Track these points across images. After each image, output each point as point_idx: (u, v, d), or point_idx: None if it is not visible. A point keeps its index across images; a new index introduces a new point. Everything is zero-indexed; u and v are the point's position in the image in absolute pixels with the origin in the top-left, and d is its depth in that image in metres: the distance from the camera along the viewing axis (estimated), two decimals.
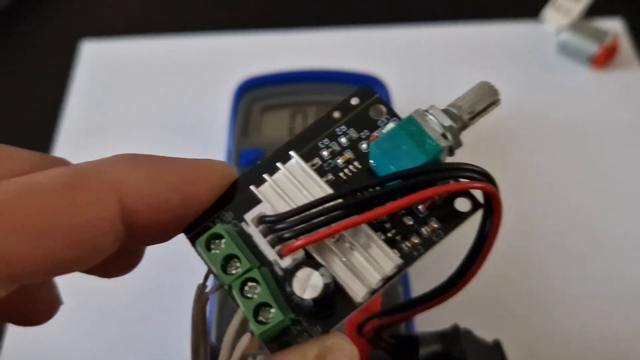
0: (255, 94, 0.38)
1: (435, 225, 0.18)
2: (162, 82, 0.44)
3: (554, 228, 0.36)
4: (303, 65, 0.39)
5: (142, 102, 0.43)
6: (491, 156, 0.38)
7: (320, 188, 0.18)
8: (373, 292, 0.17)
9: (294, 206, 0.17)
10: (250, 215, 0.17)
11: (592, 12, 0.44)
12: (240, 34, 0.46)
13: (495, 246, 0.18)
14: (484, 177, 0.17)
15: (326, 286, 0.16)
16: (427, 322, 0.29)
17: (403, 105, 0.38)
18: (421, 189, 0.17)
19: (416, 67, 0.43)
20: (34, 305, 0.19)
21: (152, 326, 0.33)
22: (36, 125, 0.43)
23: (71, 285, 0.21)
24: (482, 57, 0.43)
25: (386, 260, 0.17)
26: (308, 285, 0.16)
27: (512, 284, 0.34)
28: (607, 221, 0.36)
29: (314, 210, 0.17)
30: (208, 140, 0.40)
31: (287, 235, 0.17)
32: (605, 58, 0.42)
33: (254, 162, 0.35)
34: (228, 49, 0.45)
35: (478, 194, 0.18)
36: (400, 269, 0.17)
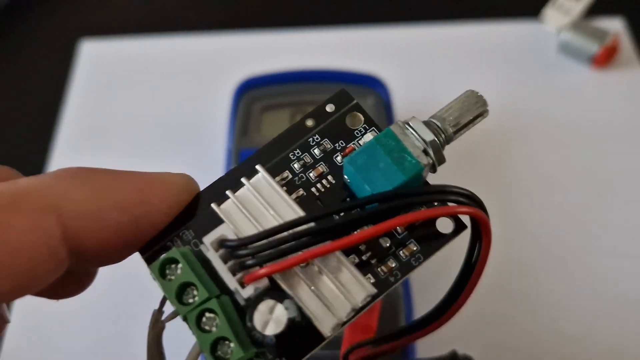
0: (255, 94, 0.37)
1: (414, 248, 0.16)
2: (161, 81, 0.43)
3: (554, 229, 0.35)
4: (303, 65, 0.38)
5: (142, 102, 0.42)
6: (491, 156, 0.37)
7: (289, 208, 0.16)
8: (343, 324, 0.16)
9: (260, 228, 0.16)
10: (209, 238, 0.16)
11: (593, 11, 0.43)
12: (240, 34, 0.45)
13: (484, 272, 0.16)
14: (472, 200, 0.15)
15: (290, 321, 0.15)
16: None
17: (404, 105, 0.37)
18: (402, 213, 0.15)
19: (417, 67, 0.42)
20: None
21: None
22: (35, 125, 0.42)
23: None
24: (482, 57, 0.42)
25: (358, 288, 0.16)
26: (271, 318, 0.15)
27: (508, 294, 0.33)
28: (608, 222, 0.35)
29: (281, 235, 0.15)
30: (208, 140, 0.39)
31: (250, 262, 0.15)
32: (606, 58, 0.41)
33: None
34: (228, 48, 0.44)
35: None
36: (374, 298, 0.16)
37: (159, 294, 0.16)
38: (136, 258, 0.18)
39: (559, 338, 0.31)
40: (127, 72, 0.43)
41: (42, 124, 0.42)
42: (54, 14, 0.48)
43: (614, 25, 0.43)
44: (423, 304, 0.30)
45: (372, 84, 0.37)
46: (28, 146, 0.41)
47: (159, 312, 0.16)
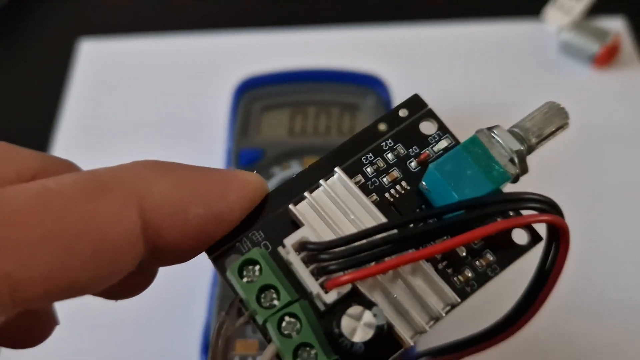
0: (255, 93, 0.37)
1: (491, 259, 0.16)
2: (161, 81, 0.42)
3: None
4: (303, 65, 0.38)
5: (141, 101, 0.41)
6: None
7: (368, 213, 0.16)
8: (423, 332, 0.15)
9: (339, 232, 0.15)
10: (290, 240, 0.15)
11: (594, 11, 0.43)
12: (240, 33, 0.44)
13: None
14: (552, 208, 0.15)
15: (379, 328, 0.14)
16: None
17: None
18: (484, 223, 0.15)
19: (417, 66, 0.42)
20: (31, 328, 0.16)
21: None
22: (35, 124, 0.41)
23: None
24: (483, 56, 0.42)
25: (438, 297, 0.15)
26: (358, 325, 0.14)
27: (509, 295, 0.33)
28: (608, 221, 0.35)
29: (364, 241, 0.15)
30: (207, 139, 0.38)
31: (333, 267, 0.15)
32: (607, 57, 0.41)
33: (254, 162, 0.33)
34: (228, 48, 0.44)
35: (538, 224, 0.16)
36: (454, 307, 0.16)
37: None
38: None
39: (561, 338, 0.31)
40: (126, 72, 0.43)
41: (41, 122, 0.41)
42: (54, 14, 0.47)
43: (615, 25, 0.43)
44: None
45: (372, 84, 0.37)
46: (27, 145, 0.40)
47: (227, 315, 0.16)
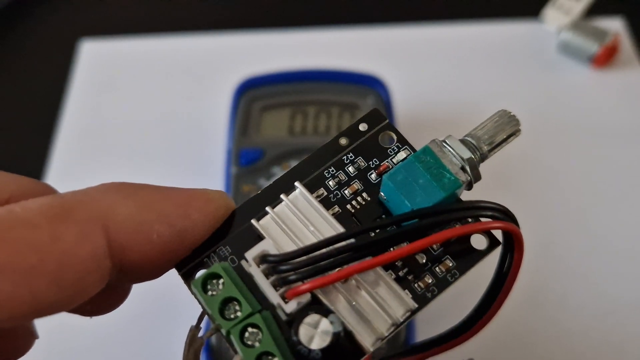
0: (255, 94, 0.37)
1: (450, 264, 0.17)
2: (161, 81, 0.43)
3: (554, 228, 0.35)
4: (303, 65, 0.38)
5: (142, 102, 0.42)
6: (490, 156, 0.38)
7: (328, 224, 0.16)
8: (384, 338, 0.16)
9: (300, 244, 0.16)
10: (251, 254, 0.16)
11: (593, 11, 0.43)
12: (240, 33, 0.45)
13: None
14: (505, 215, 0.16)
15: (336, 335, 0.15)
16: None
17: (404, 104, 0.38)
18: (439, 230, 0.15)
19: (417, 67, 0.42)
20: (8, 342, 0.17)
21: None
22: (35, 125, 0.42)
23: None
24: (482, 57, 0.43)
25: (398, 304, 0.16)
26: (316, 333, 0.15)
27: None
28: (608, 221, 0.35)
29: (323, 251, 0.15)
30: (208, 139, 0.39)
31: (292, 277, 0.15)
32: (606, 57, 0.41)
33: (254, 162, 0.33)
34: (228, 48, 0.44)
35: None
36: (413, 313, 0.16)
37: (186, 308, 0.16)
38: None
39: (561, 336, 0.31)
40: (127, 72, 0.43)
41: (42, 123, 0.41)
42: (54, 14, 0.48)
43: (614, 25, 0.43)
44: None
45: (372, 84, 0.37)
46: (28, 145, 0.41)
47: (196, 328, 0.16)
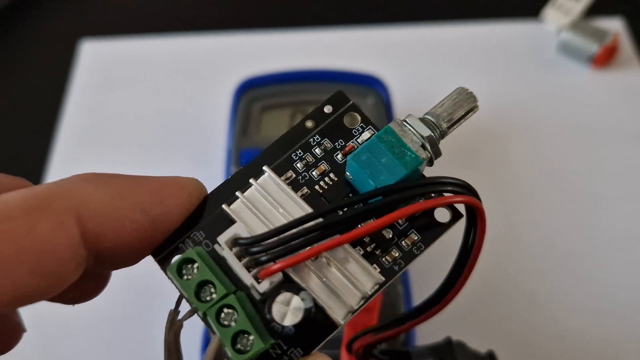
0: (255, 94, 0.38)
1: (415, 238, 0.17)
2: (161, 81, 0.43)
3: (553, 229, 0.36)
4: (303, 65, 0.39)
5: (142, 102, 0.42)
6: (491, 156, 0.38)
7: (297, 205, 0.17)
8: (354, 312, 0.16)
9: (270, 226, 0.17)
10: (223, 237, 0.16)
11: (593, 11, 0.43)
12: (240, 34, 0.45)
13: (480, 257, 0.17)
14: (466, 190, 0.16)
15: (307, 311, 0.15)
16: (419, 335, 0.29)
17: (404, 104, 0.38)
18: (403, 205, 0.16)
19: (416, 67, 0.43)
20: None
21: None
22: (36, 125, 0.42)
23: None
24: (482, 57, 0.43)
25: (366, 277, 0.17)
26: (288, 310, 0.15)
27: (510, 290, 0.34)
28: (608, 221, 0.36)
29: (292, 231, 0.16)
30: (208, 139, 0.39)
31: (263, 258, 0.16)
32: (606, 58, 0.42)
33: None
34: (228, 48, 0.44)
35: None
36: (382, 286, 0.17)
37: (168, 294, 0.17)
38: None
39: (562, 336, 0.32)
40: (127, 72, 0.44)
41: (42, 123, 0.42)
42: (55, 14, 0.48)
43: (614, 25, 0.44)
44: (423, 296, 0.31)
45: (372, 84, 0.37)
46: (28, 145, 0.41)
47: (175, 311, 0.17)
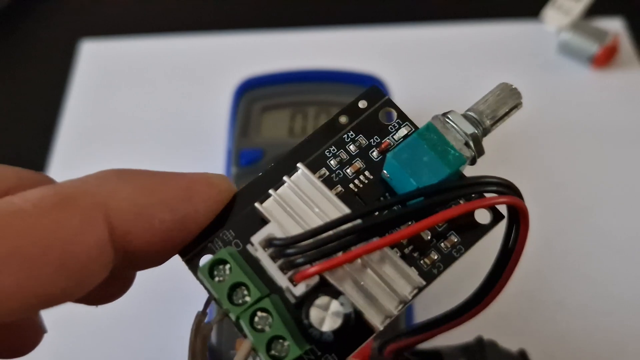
0: (255, 94, 0.37)
1: (455, 240, 0.17)
2: (162, 81, 0.43)
3: (554, 227, 0.35)
4: (303, 65, 0.38)
5: (142, 102, 0.42)
6: (491, 156, 0.37)
7: (332, 205, 0.16)
8: (392, 317, 0.16)
9: (305, 226, 0.16)
10: (257, 238, 0.16)
11: (593, 11, 0.43)
12: (240, 34, 0.45)
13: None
14: (510, 190, 0.16)
15: (347, 316, 0.15)
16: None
17: (404, 104, 0.37)
18: (445, 207, 0.15)
19: (417, 67, 0.42)
20: (16, 337, 0.17)
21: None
22: (36, 125, 0.42)
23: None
24: (482, 57, 0.43)
25: (405, 281, 0.16)
26: (326, 315, 0.15)
27: (515, 289, 0.33)
28: (609, 221, 0.35)
29: (329, 233, 0.15)
30: (208, 140, 0.39)
31: (300, 260, 0.15)
32: (606, 58, 0.41)
33: (254, 162, 0.33)
34: (228, 48, 0.44)
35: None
36: (421, 290, 0.16)
37: (191, 295, 0.16)
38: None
39: (562, 335, 0.32)
40: (127, 72, 0.43)
41: (42, 123, 0.41)
42: (54, 14, 0.48)
43: (614, 26, 0.43)
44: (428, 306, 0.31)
45: (372, 84, 0.37)
46: (28, 145, 0.41)
47: (202, 314, 0.16)
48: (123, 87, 0.42)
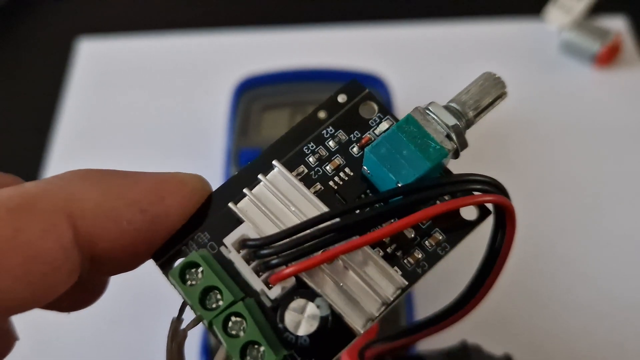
0: (254, 93, 0.37)
1: (440, 237, 0.16)
2: (160, 80, 0.42)
3: (555, 227, 0.35)
4: (303, 64, 0.38)
5: (140, 101, 0.41)
6: (491, 156, 0.37)
7: (310, 203, 0.16)
8: (374, 319, 0.15)
9: (282, 226, 0.15)
10: (230, 239, 0.15)
11: (595, 10, 0.43)
12: (240, 33, 0.44)
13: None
14: (496, 188, 0.15)
15: (323, 319, 0.14)
16: (433, 339, 0.27)
17: (404, 103, 0.37)
18: (428, 205, 0.14)
19: (417, 65, 0.42)
20: None
21: None
22: (33, 124, 0.42)
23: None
24: (483, 56, 0.42)
25: (387, 282, 0.15)
26: (302, 318, 0.14)
27: (517, 291, 0.33)
28: (610, 221, 0.35)
29: (306, 232, 0.14)
30: (207, 139, 0.38)
31: (275, 261, 0.14)
32: (608, 56, 0.41)
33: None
34: (227, 47, 0.44)
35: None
36: (404, 291, 0.15)
37: (170, 300, 0.16)
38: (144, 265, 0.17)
39: (562, 335, 0.31)
40: (125, 71, 0.43)
41: (40, 122, 0.41)
42: (53, 13, 0.48)
43: (616, 24, 0.43)
44: (424, 305, 0.30)
45: (372, 83, 0.37)
46: (26, 145, 0.41)
47: (178, 320, 0.16)
48: (121, 86, 0.42)
